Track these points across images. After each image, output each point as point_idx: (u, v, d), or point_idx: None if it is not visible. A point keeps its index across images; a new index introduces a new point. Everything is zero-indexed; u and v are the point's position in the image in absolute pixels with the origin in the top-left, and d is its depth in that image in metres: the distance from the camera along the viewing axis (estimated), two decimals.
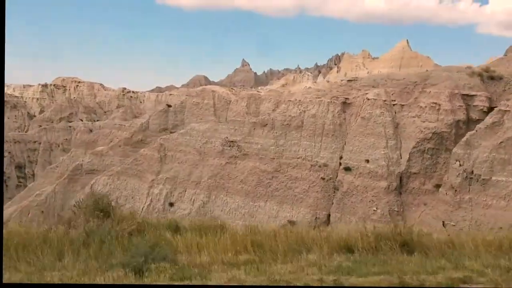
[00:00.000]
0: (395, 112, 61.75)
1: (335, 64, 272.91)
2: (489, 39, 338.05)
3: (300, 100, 69.60)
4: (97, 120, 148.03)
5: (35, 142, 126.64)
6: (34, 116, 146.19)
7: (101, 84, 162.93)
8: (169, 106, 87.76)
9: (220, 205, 64.44)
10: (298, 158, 63.71)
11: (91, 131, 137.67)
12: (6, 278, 6.91)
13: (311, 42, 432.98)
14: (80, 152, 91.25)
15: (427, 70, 74.97)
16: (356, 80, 78.50)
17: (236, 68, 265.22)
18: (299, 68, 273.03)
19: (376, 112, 61.29)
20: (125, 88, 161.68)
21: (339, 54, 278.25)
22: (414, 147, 58.36)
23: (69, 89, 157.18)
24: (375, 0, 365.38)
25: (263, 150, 65.70)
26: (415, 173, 58.22)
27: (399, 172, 58.20)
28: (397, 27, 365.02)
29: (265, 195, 63.34)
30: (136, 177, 69.83)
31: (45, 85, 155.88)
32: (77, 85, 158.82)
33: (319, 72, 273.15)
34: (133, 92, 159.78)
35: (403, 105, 62.04)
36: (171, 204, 66.53)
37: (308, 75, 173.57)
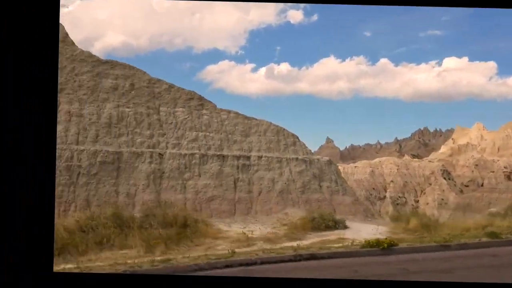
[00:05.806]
0: None
1: (419, 138, 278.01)
2: None
3: None
4: None
5: None
6: None
7: None
8: None
9: None
10: None
11: None
12: None
13: (379, 120, 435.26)
14: None
15: None
16: None
17: (321, 145, 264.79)
18: (379, 143, 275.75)
19: None
20: None
21: (421, 129, 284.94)
22: None
23: None
24: (427, 79, 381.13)
25: None
26: None
27: None
28: (448, 103, 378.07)
29: None
30: None
31: None
32: None
33: (400, 146, 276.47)
34: None
35: None
36: None
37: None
